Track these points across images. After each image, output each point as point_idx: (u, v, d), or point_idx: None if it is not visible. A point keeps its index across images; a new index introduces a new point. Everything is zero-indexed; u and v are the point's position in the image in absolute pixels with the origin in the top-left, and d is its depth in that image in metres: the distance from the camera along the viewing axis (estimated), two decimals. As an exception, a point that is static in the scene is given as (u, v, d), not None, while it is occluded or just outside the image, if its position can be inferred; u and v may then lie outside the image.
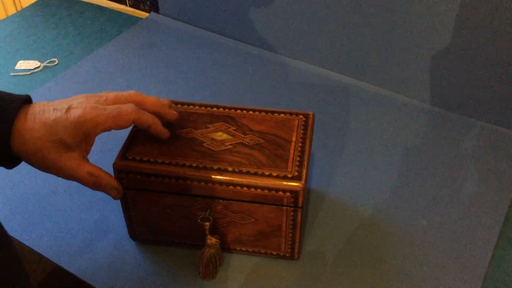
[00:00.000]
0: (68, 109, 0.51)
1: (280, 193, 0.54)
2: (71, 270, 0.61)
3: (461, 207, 0.67)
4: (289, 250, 0.60)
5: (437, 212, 0.67)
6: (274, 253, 0.60)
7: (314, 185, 0.70)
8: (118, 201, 0.59)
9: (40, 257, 0.63)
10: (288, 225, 0.57)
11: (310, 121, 0.61)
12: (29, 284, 0.48)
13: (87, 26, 1.05)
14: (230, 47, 0.97)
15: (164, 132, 0.57)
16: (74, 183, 0.57)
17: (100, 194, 0.69)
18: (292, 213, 0.55)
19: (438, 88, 0.81)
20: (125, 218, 0.60)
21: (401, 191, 0.69)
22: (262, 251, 0.60)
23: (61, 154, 0.51)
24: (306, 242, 0.63)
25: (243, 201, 0.55)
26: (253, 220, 0.57)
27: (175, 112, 0.59)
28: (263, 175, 0.54)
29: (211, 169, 0.54)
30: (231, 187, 0.54)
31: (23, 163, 0.54)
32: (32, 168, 0.53)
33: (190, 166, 0.55)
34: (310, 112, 0.62)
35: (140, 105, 0.55)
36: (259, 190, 0.54)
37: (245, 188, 0.54)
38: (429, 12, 0.75)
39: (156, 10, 1.06)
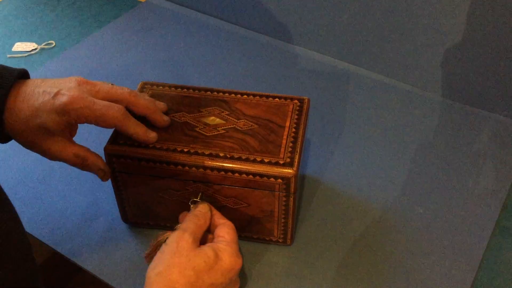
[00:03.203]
0: (57, 93, 0.49)
1: (272, 179, 0.53)
2: (63, 252, 0.60)
3: (457, 196, 0.66)
4: (281, 236, 0.59)
5: (433, 200, 0.66)
6: (267, 238, 0.60)
7: (309, 171, 0.70)
8: (111, 184, 0.58)
9: (36, 241, 0.63)
10: (280, 211, 0.56)
11: (305, 106, 0.60)
12: (33, 258, 0.48)
13: (85, 8, 1.04)
14: (228, 31, 0.95)
15: (148, 139, 0.55)
16: (67, 166, 0.57)
17: (92, 177, 0.69)
18: (284, 199, 0.55)
19: (440, 77, 0.80)
20: (117, 201, 0.60)
21: (397, 179, 0.69)
22: (255, 237, 0.60)
23: (45, 138, 0.51)
24: (299, 228, 0.63)
25: (235, 186, 0.55)
26: (245, 205, 0.56)
27: (167, 119, 0.57)
28: (254, 161, 0.53)
29: (203, 154, 0.54)
30: (222, 172, 0.53)
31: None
32: (25, 152, 0.53)
33: (182, 151, 0.54)
34: (305, 97, 0.61)
35: (130, 106, 0.54)
36: (250, 176, 0.53)
37: (237, 174, 0.53)
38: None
39: (155, -7, 1.05)
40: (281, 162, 0.53)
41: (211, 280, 0.48)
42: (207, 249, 0.50)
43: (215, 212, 0.55)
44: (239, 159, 0.53)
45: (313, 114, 0.77)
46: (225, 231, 0.52)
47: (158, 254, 0.50)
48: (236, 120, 0.58)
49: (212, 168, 0.53)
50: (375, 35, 0.82)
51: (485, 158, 0.71)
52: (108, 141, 0.55)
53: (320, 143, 0.74)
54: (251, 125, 0.57)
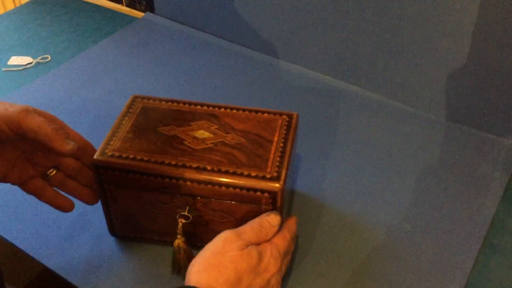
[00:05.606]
0: None
1: (258, 193, 0.53)
2: (50, 265, 0.60)
3: (445, 213, 0.66)
4: (269, 251, 0.59)
5: (421, 217, 0.66)
6: (254, 253, 0.60)
7: (299, 187, 0.70)
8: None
9: (25, 255, 0.62)
10: (267, 225, 0.56)
11: (294, 121, 0.60)
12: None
13: (82, 24, 1.05)
14: (223, 48, 0.96)
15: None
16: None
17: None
18: (271, 213, 0.55)
19: (433, 96, 0.80)
20: (105, 214, 0.60)
21: (386, 195, 0.69)
22: (242, 251, 0.60)
23: None
24: (287, 243, 0.63)
25: (221, 199, 0.55)
26: (232, 219, 0.56)
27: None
28: (242, 174, 0.53)
29: (190, 167, 0.54)
30: (209, 186, 0.54)
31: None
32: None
33: (169, 164, 0.54)
34: (294, 112, 0.61)
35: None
36: (237, 190, 0.53)
37: (224, 188, 0.53)
38: (429, 14, 0.74)
39: (152, 10, 1.06)
40: (268, 176, 0.53)
41: (249, 281, 0.48)
42: (251, 249, 0.50)
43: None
44: (227, 172, 0.53)
45: (305, 131, 0.78)
46: (277, 237, 0.53)
47: (202, 251, 0.50)
48: (224, 134, 0.58)
49: (199, 181, 0.54)
50: (366, 53, 0.83)
51: (472, 175, 0.71)
52: (96, 153, 0.55)
53: (311, 159, 0.74)
54: (239, 139, 0.57)
